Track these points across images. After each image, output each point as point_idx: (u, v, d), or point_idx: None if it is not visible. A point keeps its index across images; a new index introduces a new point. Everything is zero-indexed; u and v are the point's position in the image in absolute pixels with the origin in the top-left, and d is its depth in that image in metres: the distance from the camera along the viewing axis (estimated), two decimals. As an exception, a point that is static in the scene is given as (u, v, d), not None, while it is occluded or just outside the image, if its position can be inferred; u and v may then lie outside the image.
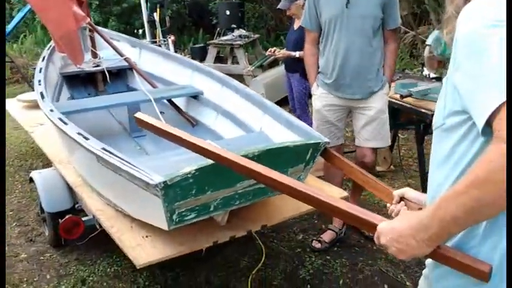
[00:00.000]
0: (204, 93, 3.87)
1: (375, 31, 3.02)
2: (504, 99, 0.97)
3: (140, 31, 7.80)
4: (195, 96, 3.94)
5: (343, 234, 3.48)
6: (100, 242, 3.30)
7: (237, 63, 7.79)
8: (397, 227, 1.16)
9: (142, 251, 2.32)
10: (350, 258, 3.33)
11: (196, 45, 8.62)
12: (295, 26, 4.98)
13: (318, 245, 3.41)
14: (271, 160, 2.18)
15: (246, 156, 2.08)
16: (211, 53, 7.84)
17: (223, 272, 3.18)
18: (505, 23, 1.02)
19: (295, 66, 4.95)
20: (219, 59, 8.05)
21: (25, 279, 3.11)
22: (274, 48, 5.07)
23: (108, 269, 3.20)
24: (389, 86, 3.28)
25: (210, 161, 2.04)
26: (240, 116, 3.34)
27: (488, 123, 1.00)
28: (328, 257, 3.35)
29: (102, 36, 4.18)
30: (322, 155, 2.37)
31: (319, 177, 3.20)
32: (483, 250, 1.13)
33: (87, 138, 2.49)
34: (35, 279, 3.12)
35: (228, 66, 7.74)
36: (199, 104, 3.91)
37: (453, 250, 1.15)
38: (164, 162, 2.53)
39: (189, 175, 2.00)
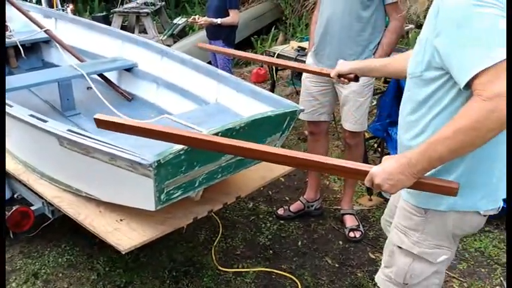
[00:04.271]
0: (138, 65, 3.67)
1: (365, 2, 2.78)
2: (482, 68, 1.25)
3: (34, -1, 7.08)
4: (129, 69, 3.72)
5: (311, 208, 3.48)
6: (42, 232, 3.07)
7: (144, 32, 7.44)
8: (387, 168, 1.42)
9: (122, 235, 2.20)
10: (302, 220, 3.46)
11: (98, 14, 8.05)
12: (216, -7, 4.88)
13: (281, 212, 3.48)
14: (254, 130, 2.17)
15: (232, 129, 2.06)
16: (116, 22, 7.38)
17: (184, 248, 3.13)
18: (486, 3, 1.29)
19: (217, 33, 4.89)
20: (123, 29, 7.60)
21: (-35, 281, 2.78)
22: (196, 15, 4.93)
23: (60, 259, 2.98)
24: None
25: (198, 135, 1.98)
26: (189, 87, 3.22)
27: (467, 84, 1.30)
28: (282, 222, 3.45)
29: (15, 6, 3.74)
30: None
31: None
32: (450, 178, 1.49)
33: (45, 121, 2.26)
34: (-23, 280, 2.81)
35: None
36: (134, 77, 3.71)
37: (429, 177, 1.44)
38: (131, 140, 2.37)
39: (181, 152, 1.92)
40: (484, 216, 1.60)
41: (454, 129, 1.30)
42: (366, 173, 1.46)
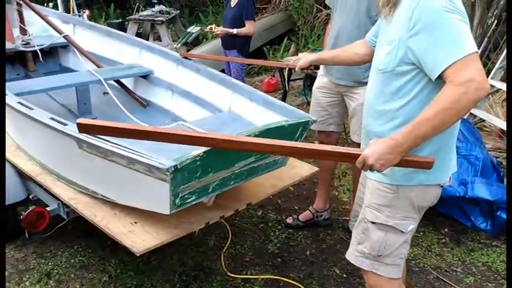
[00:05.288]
0: (154, 73, 3.75)
1: (374, 17, 2.72)
2: (453, 60, 1.56)
3: (51, 4, 7.21)
4: (144, 76, 3.80)
5: (320, 219, 3.52)
6: (55, 233, 3.13)
7: (159, 40, 7.55)
8: (377, 149, 1.61)
9: (137, 237, 2.25)
10: (311, 230, 3.50)
11: (114, 21, 8.17)
12: (232, 4, 4.99)
13: (289, 221, 3.51)
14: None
15: (248, 136, 2.10)
16: (132, 29, 7.50)
17: (194, 253, 3.18)
18: (455, 9, 1.60)
19: (233, 42, 4.98)
20: (138, 36, 7.72)
21: (-20, 278, 2.85)
22: (212, 25, 5.02)
23: (72, 260, 3.05)
24: None
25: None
26: (203, 95, 3.29)
27: (439, 75, 1.60)
28: (290, 230, 3.49)
29: (35, 11, 3.83)
30: None
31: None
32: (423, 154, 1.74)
33: (65, 124, 2.33)
34: (-9, 278, 2.87)
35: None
36: (150, 84, 3.78)
37: (411, 155, 1.65)
38: (146, 144, 2.42)
39: (197, 157, 1.97)
40: (442, 187, 1.91)
41: (434, 111, 1.57)
42: (357, 156, 1.64)
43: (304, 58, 2.56)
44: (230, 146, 1.72)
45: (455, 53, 1.56)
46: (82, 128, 1.66)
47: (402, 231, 1.91)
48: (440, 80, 1.62)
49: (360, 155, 1.63)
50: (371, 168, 1.63)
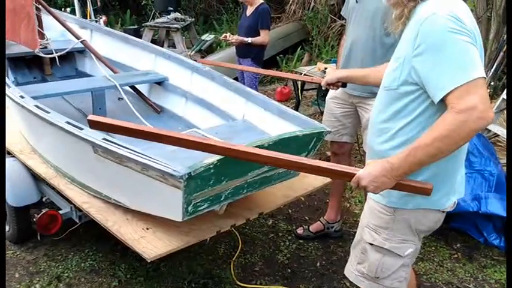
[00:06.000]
0: (169, 79, 3.77)
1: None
2: (455, 85, 1.47)
3: (68, 9, 7.30)
4: (159, 83, 3.82)
5: (331, 230, 3.49)
6: (66, 236, 3.15)
7: (173, 46, 7.61)
8: (372, 171, 1.60)
9: (148, 243, 2.26)
10: (321, 241, 3.47)
11: (130, 27, 8.26)
12: (248, 13, 5.01)
13: (300, 231, 3.50)
14: (281, 149, 2.21)
15: (261, 146, 2.12)
16: (147, 35, 7.57)
17: (204, 260, 3.17)
18: (462, 30, 1.50)
19: (247, 51, 5.00)
20: (153, 43, 7.79)
21: (-9, 279, 2.87)
22: (227, 33, 5.05)
23: (83, 264, 3.06)
24: None
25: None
26: (217, 103, 3.30)
27: (442, 99, 1.52)
28: (301, 241, 3.47)
29: (54, 16, 3.88)
30: None
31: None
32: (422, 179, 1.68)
33: (81, 128, 2.35)
34: (2, 279, 2.89)
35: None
36: (164, 91, 3.81)
37: (408, 179, 1.62)
38: (161, 151, 2.44)
39: (211, 165, 1.98)
40: (443, 212, 1.84)
41: (431, 137, 1.51)
42: (352, 175, 1.63)
43: (332, 73, 2.47)
44: (225, 154, 1.75)
45: (459, 77, 1.47)
46: (93, 124, 1.73)
47: (399, 255, 1.85)
48: (444, 103, 1.53)
49: (355, 174, 1.61)
50: (365, 189, 1.61)
